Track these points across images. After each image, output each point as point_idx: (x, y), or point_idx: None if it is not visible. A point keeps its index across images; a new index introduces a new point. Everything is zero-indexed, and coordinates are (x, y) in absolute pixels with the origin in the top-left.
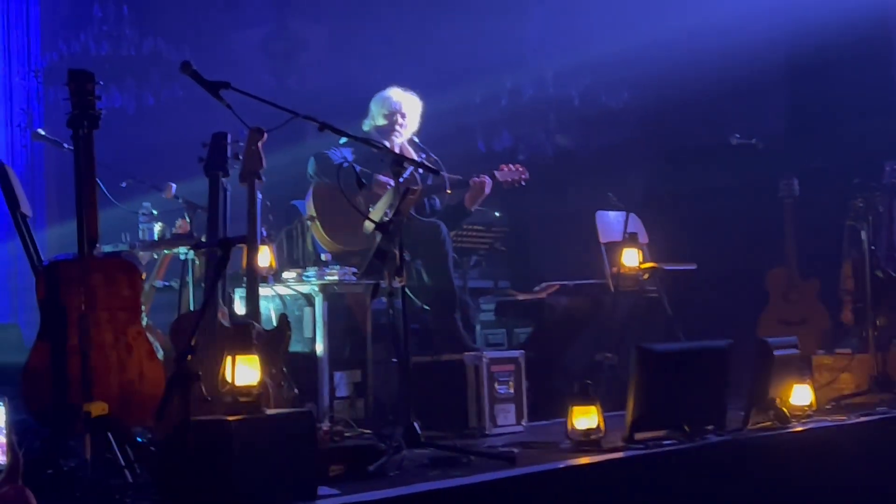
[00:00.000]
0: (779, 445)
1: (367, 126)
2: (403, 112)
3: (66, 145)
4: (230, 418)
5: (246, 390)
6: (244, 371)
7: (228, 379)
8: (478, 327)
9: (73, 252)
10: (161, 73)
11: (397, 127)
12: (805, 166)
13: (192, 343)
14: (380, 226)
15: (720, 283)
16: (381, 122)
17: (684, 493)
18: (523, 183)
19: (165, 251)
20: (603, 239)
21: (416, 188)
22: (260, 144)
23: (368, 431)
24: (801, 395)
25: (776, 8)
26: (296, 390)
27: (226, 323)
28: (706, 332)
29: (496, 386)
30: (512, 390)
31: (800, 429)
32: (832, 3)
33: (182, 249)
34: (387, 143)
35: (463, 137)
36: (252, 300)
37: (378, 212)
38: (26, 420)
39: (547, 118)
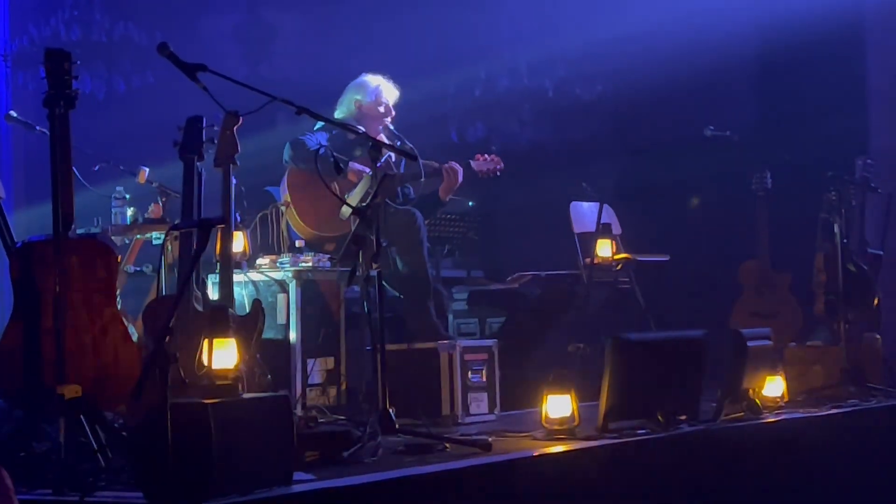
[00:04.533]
0: (751, 436)
1: (340, 113)
2: (383, 100)
3: (38, 127)
4: (208, 401)
5: (223, 373)
6: (221, 354)
7: (205, 362)
8: (450, 316)
9: (45, 233)
10: (132, 59)
11: (379, 110)
12: (778, 159)
13: (171, 324)
14: (357, 211)
15: (693, 274)
16: (357, 109)
17: (658, 483)
18: (499, 173)
19: (138, 236)
20: (577, 229)
21: (393, 174)
22: (235, 129)
23: (343, 418)
24: (773, 386)
25: (749, 1)
26: (269, 377)
27: (199, 307)
28: (678, 323)
29: (469, 374)
30: (485, 379)
31: (772, 420)
32: None
33: (155, 234)
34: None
35: (436, 127)
36: (226, 285)
37: (355, 197)
38: None
39: (521, 109)
